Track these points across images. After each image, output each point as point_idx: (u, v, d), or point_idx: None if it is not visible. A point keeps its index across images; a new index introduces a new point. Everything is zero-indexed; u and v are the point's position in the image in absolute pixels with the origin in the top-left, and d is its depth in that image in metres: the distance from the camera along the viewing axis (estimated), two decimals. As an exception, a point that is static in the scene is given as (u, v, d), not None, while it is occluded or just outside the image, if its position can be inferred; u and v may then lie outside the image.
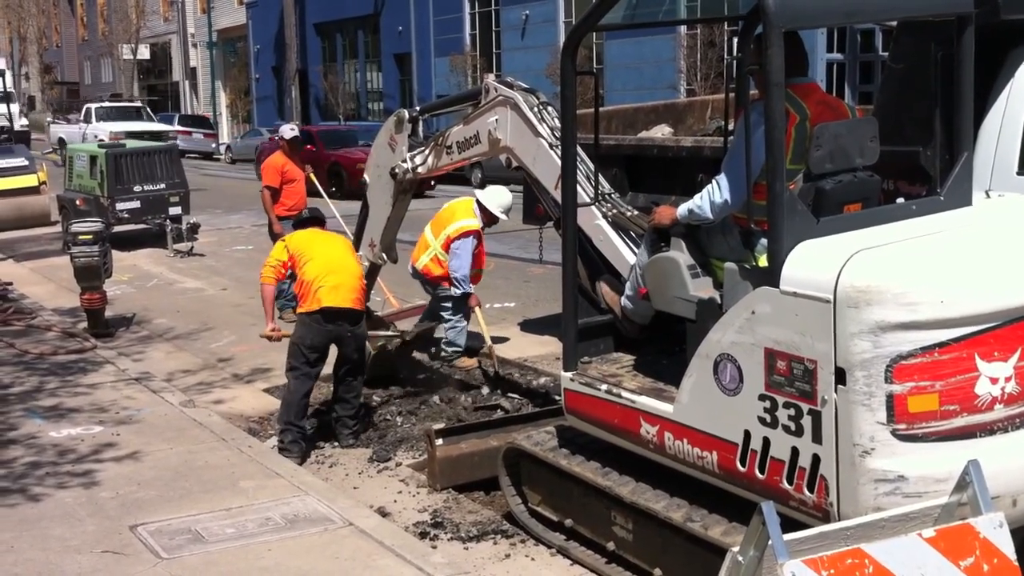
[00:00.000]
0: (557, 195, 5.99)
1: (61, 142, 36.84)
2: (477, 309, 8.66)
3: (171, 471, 6.41)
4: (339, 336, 7.06)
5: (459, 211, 8.61)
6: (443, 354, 8.83)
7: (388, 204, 7.86)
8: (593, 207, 6.04)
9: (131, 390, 8.20)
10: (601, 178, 6.24)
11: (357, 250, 8.28)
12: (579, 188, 5.58)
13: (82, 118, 38.67)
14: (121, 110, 39.76)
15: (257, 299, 11.85)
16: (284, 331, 7.52)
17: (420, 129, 8.04)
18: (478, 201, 8.66)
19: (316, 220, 7.60)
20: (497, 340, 9.57)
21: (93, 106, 39.61)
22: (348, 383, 7.25)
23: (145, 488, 6.14)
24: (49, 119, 45.72)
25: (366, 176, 8.13)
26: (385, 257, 8.22)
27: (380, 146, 7.93)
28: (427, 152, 7.47)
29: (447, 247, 8.46)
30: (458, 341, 8.70)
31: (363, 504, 6.06)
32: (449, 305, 8.63)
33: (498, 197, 8.72)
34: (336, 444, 7.25)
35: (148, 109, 42.26)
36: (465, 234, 8.49)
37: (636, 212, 6.35)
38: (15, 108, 44.96)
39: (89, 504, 5.92)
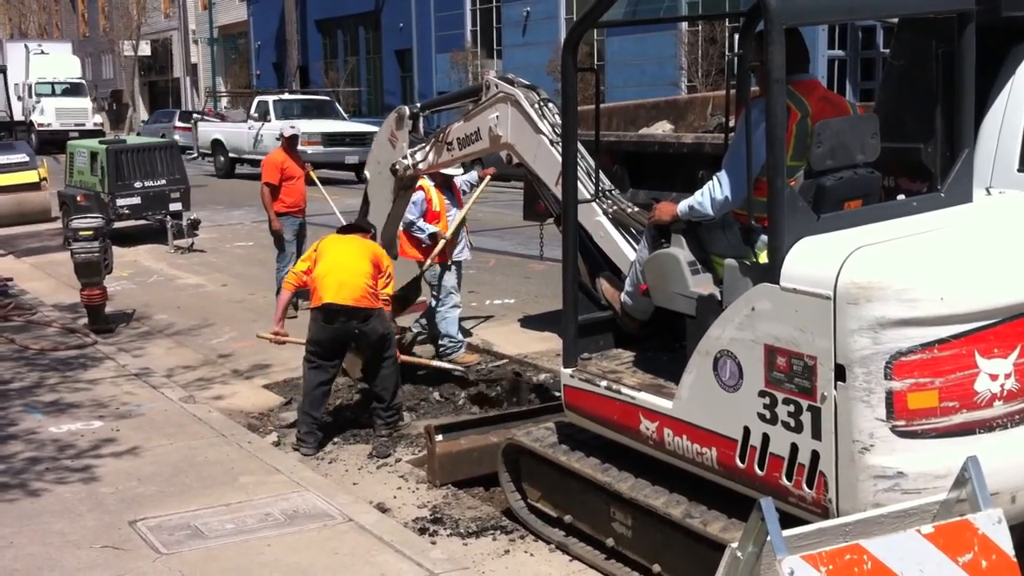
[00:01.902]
0: (558, 191, 5.99)
1: (217, 146, 29.64)
2: (442, 242, 8.68)
3: (171, 467, 6.42)
4: (346, 333, 7.06)
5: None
6: (442, 349, 8.82)
7: (388, 200, 7.86)
8: (594, 204, 6.03)
9: (131, 386, 8.20)
10: (602, 175, 6.23)
11: None
12: (580, 185, 5.58)
13: (254, 114, 28.56)
14: (306, 104, 29.78)
15: (257, 296, 11.88)
16: (289, 338, 7.55)
17: (421, 125, 8.02)
18: None
19: (360, 229, 7.55)
20: (489, 344, 9.58)
21: (270, 99, 29.03)
22: (374, 378, 7.28)
23: (145, 483, 6.15)
24: (197, 115, 34.64)
25: (367, 172, 8.13)
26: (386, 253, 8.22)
27: (381, 142, 7.93)
28: (428, 148, 7.46)
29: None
30: (451, 331, 8.70)
31: (362, 500, 6.06)
32: (436, 294, 8.66)
33: None
34: (337, 440, 7.26)
35: (337, 102, 32.18)
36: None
37: (636, 209, 6.35)
38: (87, 103, 40.89)
39: (89, 499, 5.92)
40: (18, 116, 40.61)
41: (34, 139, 41.66)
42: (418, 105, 8.07)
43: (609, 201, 6.26)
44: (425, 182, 8.63)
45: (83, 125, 38.43)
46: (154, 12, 55.63)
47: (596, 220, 6.14)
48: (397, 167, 7.63)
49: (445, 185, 8.94)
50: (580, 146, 5.90)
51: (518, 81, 6.91)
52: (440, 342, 8.83)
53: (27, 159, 19.61)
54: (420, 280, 8.75)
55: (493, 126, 6.80)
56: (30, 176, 19.33)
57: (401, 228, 8.54)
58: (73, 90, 41.68)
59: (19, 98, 39.46)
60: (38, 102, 40.08)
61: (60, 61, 43.71)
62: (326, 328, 7.02)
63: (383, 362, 7.21)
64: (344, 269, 7.05)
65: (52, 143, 38.48)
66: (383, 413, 7.26)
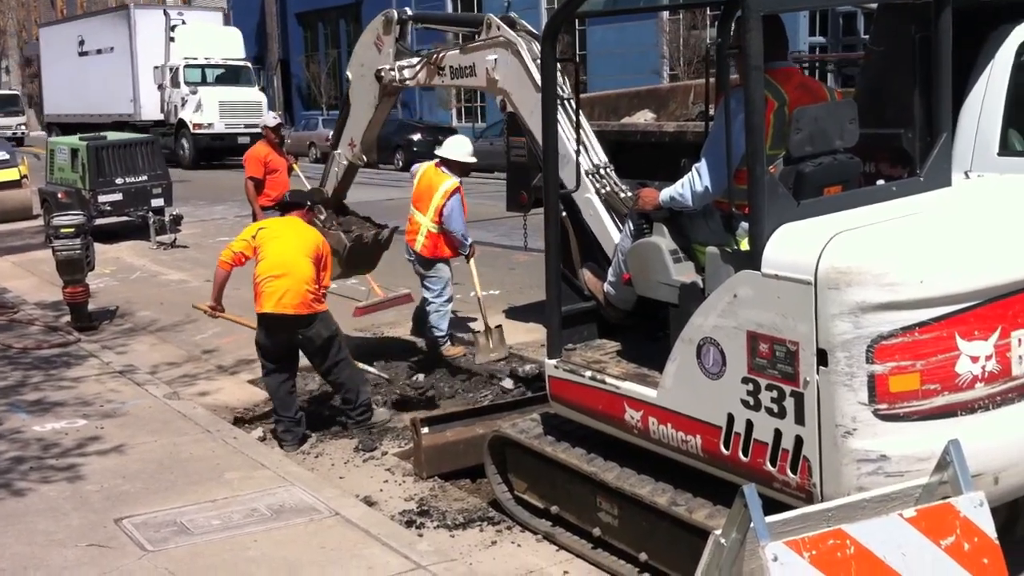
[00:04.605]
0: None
1: None
2: (472, 261, 8.65)
3: (156, 463, 6.40)
4: (291, 341, 6.94)
5: (434, 179, 8.46)
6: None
7: (371, 105, 7.69)
8: (587, 179, 5.97)
9: (115, 383, 8.17)
10: (600, 152, 6.15)
11: (335, 148, 8.12)
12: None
13: None
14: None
15: (242, 291, 11.84)
16: (225, 314, 7.51)
17: (409, 34, 7.78)
18: (442, 159, 8.51)
19: (296, 205, 7.39)
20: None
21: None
22: (331, 380, 7.22)
23: (130, 481, 6.13)
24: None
25: (348, 74, 7.94)
26: (364, 158, 8.10)
27: (365, 44, 7.75)
28: (418, 67, 7.27)
29: (439, 217, 8.40)
30: (441, 325, 8.66)
31: (349, 494, 6.06)
32: (434, 288, 8.61)
33: (458, 146, 8.64)
34: (322, 434, 7.25)
35: None
36: (450, 195, 8.34)
37: (630, 194, 6.31)
38: (259, 95, 30.24)
39: (74, 498, 5.90)
40: (153, 112, 30.30)
41: (187, 146, 29.30)
42: (408, 12, 7.86)
43: (604, 181, 6.17)
44: (457, 182, 8.39)
45: (255, 126, 23.93)
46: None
47: (587, 197, 6.06)
48: (382, 74, 7.47)
49: (464, 174, 8.68)
50: (584, 120, 5.89)
51: (521, 25, 6.71)
52: (437, 328, 8.79)
53: (7, 157, 19.51)
54: (374, 247, 8.60)
55: (490, 68, 6.63)
56: (10, 174, 19.25)
57: (436, 230, 8.38)
58: (232, 76, 29.99)
59: (159, 87, 29.99)
60: (194, 92, 29.13)
61: (210, 35, 30.98)
62: (270, 336, 6.93)
63: (337, 365, 7.07)
64: (286, 275, 6.83)
65: (214, 153, 28.03)
66: (352, 412, 7.17)
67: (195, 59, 29.62)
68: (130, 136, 18.63)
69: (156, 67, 29.63)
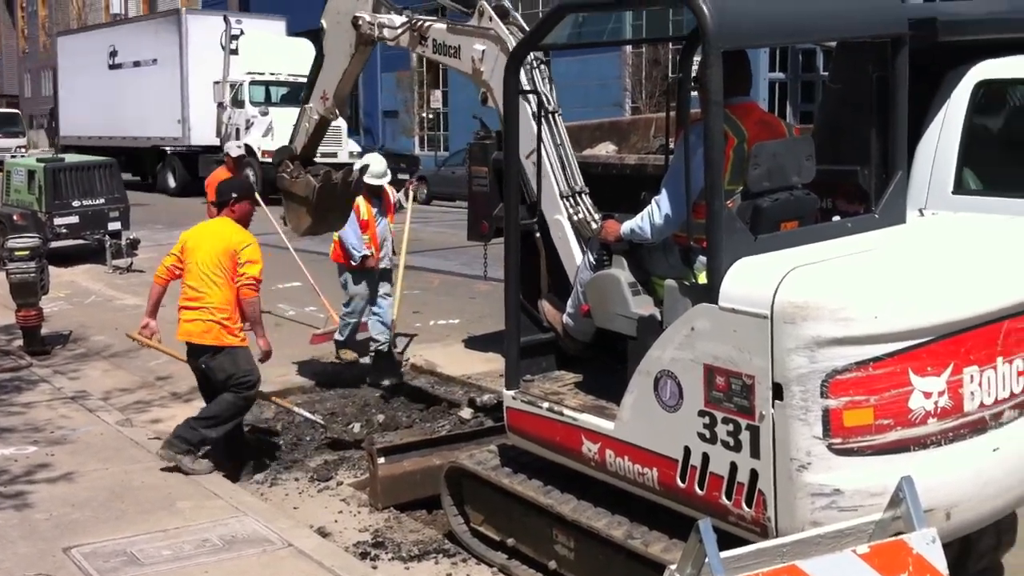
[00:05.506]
0: (528, 164, 5.78)
1: None
2: (400, 282, 9.40)
3: (106, 492, 6.29)
4: (198, 368, 6.91)
5: None
6: (337, 337, 9.36)
7: (346, 55, 7.43)
8: (560, 201, 5.95)
9: (67, 409, 8.04)
10: (578, 175, 6.11)
11: (307, 102, 7.89)
12: (553, 180, 5.75)
13: None
14: None
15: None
16: (154, 343, 7.48)
17: None
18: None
19: (222, 204, 7.11)
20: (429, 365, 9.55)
21: None
22: (210, 398, 6.90)
23: (80, 509, 6.02)
24: None
25: (323, 22, 7.66)
26: (337, 112, 7.95)
27: None
28: (399, 30, 7.00)
29: None
30: (342, 333, 9.20)
31: (303, 524, 5.98)
32: (344, 299, 9.09)
33: (370, 166, 9.01)
34: (277, 464, 7.17)
35: None
36: None
37: (601, 225, 6.28)
38: (343, 124, 23.49)
39: (22, 526, 5.78)
40: (206, 135, 26.22)
41: (254, 176, 21.54)
42: None
43: (577, 207, 6.11)
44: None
45: (334, 155, 21.33)
46: (96, 29, 54.76)
47: (556, 218, 6.01)
48: (360, 24, 7.21)
49: (373, 193, 9.06)
50: (566, 138, 5.99)
51: (513, 17, 6.47)
52: (338, 333, 9.25)
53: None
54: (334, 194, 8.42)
55: (476, 58, 6.42)
56: (-35, 195, 18.95)
57: (336, 236, 8.75)
58: (300, 94, 23.87)
59: (220, 105, 25.57)
60: (264, 113, 24.67)
61: (275, 46, 26.42)
62: (190, 363, 7.02)
63: (223, 395, 6.72)
64: (195, 307, 6.78)
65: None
66: (191, 422, 6.72)
67: (260, 74, 25.48)
68: (88, 159, 18.41)
69: (216, 83, 25.60)
